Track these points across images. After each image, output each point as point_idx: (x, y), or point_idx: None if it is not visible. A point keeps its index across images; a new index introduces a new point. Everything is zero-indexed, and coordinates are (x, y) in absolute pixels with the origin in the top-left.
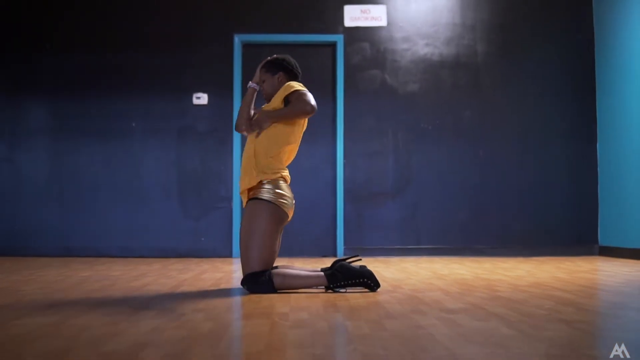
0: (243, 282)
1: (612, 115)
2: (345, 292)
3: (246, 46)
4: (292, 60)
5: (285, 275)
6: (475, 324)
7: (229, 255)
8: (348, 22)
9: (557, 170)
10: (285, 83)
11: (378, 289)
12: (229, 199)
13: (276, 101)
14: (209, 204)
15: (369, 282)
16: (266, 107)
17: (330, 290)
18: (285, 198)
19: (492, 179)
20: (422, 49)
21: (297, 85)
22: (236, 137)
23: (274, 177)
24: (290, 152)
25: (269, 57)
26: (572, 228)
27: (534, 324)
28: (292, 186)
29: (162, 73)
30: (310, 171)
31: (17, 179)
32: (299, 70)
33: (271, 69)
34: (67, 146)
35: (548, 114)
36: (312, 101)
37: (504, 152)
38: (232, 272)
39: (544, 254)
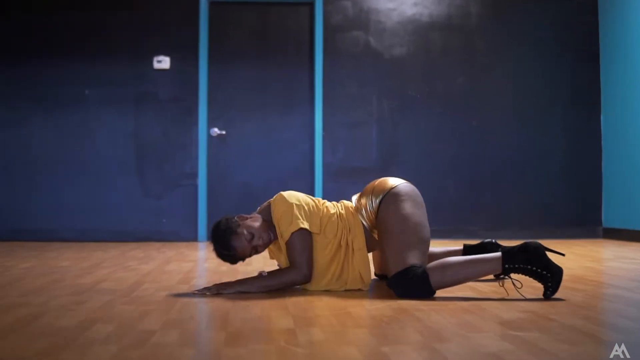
0: (391, 283)
1: (617, 82)
2: (520, 287)
3: (213, 4)
4: (222, 221)
5: (445, 266)
6: None
7: (194, 238)
8: None
9: (556, 143)
10: (263, 220)
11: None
12: (194, 175)
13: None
14: (171, 181)
15: (549, 282)
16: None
17: (501, 279)
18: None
19: (485, 152)
20: (410, 9)
21: (286, 212)
22: (202, 106)
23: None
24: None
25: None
26: (573, 207)
27: None
28: (265, 160)
29: (118, 34)
30: (285, 144)
31: None
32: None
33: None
34: (12, 116)
35: (547, 80)
36: (305, 266)
37: (499, 123)
38: (199, 260)
39: (542, 236)
